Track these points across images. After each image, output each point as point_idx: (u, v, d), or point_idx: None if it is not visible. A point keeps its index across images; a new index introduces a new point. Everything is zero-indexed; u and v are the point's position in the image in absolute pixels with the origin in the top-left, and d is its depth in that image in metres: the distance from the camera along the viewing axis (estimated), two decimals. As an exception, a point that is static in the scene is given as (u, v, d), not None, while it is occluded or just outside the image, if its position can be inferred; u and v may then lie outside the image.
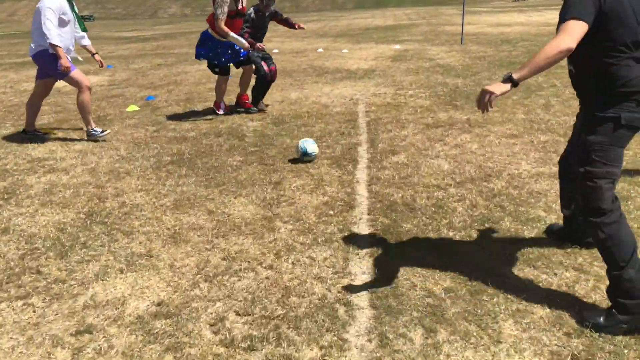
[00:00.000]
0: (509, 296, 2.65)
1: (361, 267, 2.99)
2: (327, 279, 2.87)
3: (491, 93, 2.15)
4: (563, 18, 2.18)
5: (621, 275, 2.29)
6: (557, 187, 3.97)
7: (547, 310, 2.52)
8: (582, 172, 2.35)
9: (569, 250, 3.05)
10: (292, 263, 3.06)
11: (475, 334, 2.37)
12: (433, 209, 3.75)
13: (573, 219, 3.00)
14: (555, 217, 3.51)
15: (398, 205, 3.83)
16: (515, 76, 2.16)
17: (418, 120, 6.16)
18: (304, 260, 3.08)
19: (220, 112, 6.83)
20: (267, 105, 7.08)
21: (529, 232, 3.31)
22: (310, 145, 4.82)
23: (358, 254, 3.14)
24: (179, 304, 2.67)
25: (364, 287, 2.78)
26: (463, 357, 2.24)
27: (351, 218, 3.65)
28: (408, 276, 2.87)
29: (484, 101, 2.17)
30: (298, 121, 6.36)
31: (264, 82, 6.74)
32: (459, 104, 6.84)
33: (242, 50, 6.43)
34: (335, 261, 3.06)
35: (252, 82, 6.93)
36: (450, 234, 3.35)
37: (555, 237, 3.18)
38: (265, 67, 6.63)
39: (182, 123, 6.51)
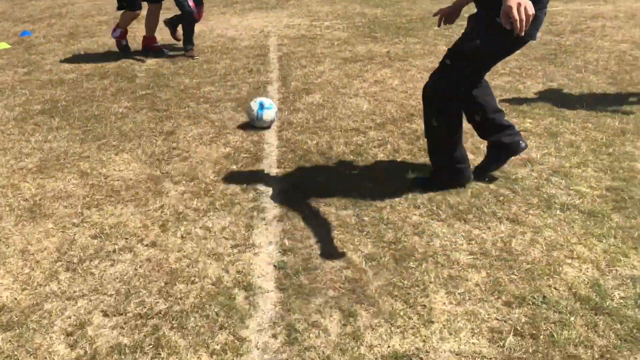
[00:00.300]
0: (438, 260, 2.26)
1: (267, 236, 2.48)
2: (225, 256, 2.34)
3: (525, 4, 1.93)
4: None
5: (443, 156, 2.66)
6: (485, 124, 3.62)
7: (483, 274, 2.16)
8: (448, 64, 2.47)
9: (501, 197, 2.70)
10: (182, 237, 2.49)
11: (402, 313, 1.97)
12: (352, 156, 3.27)
13: (485, 124, 2.80)
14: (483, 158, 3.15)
15: (312, 154, 3.32)
16: None
17: (335, 54, 5.57)
18: (197, 232, 2.52)
19: (115, 35, 5.71)
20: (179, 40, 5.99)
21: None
22: (266, 100, 3.72)
23: (264, 219, 2.62)
24: (26, 308, 2.04)
25: (270, 262, 2.29)
26: (389, 347, 1.83)
27: (258, 173, 3.10)
28: (324, 243, 2.40)
29: (526, 12, 1.94)
30: (200, 57, 5.57)
31: (191, 22, 5.59)
32: (379, 35, 6.30)
33: None
34: (236, 230, 2.53)
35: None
36: (371, 185, 2.89)
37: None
38: (191, 3, 5.46)
39: (61, 63, 5.51)
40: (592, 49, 5.41)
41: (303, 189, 2.88)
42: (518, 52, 5.34)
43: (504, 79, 4.59)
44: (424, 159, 3.17)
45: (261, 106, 3.65)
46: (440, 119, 2.61)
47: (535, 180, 2.86)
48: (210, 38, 6.38)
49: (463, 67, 2.44)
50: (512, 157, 2.89)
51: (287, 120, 3.87)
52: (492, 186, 2.81)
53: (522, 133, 3.49)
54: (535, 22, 2.22)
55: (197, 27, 6.98)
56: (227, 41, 6.25)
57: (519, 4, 1.92)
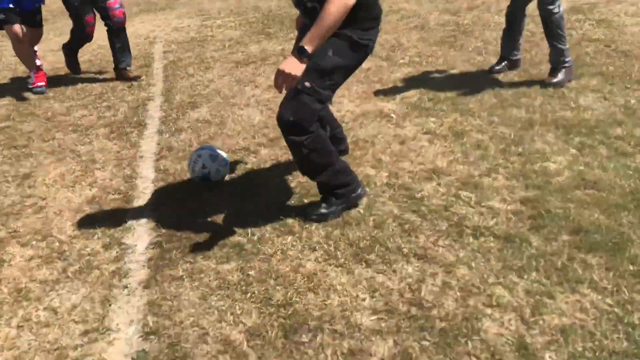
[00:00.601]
0: (336, 327, 1.85)
1: (128, 312, 2.00)
2: (69, 350, 1.84)
3: (293, 77, 2.07)
4: None
5: (327, 176, 2.40)
6: (385, 131, 3.29)
7: (390, 343, 1.78)
8: (309, 88, 2.21)
9: (407, 226, 2.36)
10: (18, 326, 1.96)
11: (290, 411, 1.57)
12: (239, 186, 2.84)
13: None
14: (387, 173, 2.82)
15: (193, 187, 2.84)
16: (310, 50, 2.06)
17: (226, 57, 5.07)
18: (39, 317, 2.00)
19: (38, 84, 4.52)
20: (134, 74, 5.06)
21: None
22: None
23: (127, 287, 2.13)
24: None
25: (128, 353, 1.81)
26: None
27: (126, 220, 2.59)
28: (197, 316, 1.95)
29: (284, 85, 2.10)
30: (73, 75, 4.90)
31: (81, 38, 4.75)
32: (273, 31, 5.85)
33: None
34: (89, 308, 2.02)
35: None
36: (260, 223, 2.46)
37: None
38: (90, 28, 4.59)
39: None
40: (490, 26, 5.25)
41: (178, 238, 2.41)
42: (417, 36, 5.13)
43: (403, 70, 4.30)
44: (320, 182, 2.78)
45: (208, 155, 2.80)
46: (309, 145, 2.28)
47: (444, 197, 2.55)
48: (89, 52, 5.64)
49: (323, 88, 2.23)
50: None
51: (167, 144, 3.36)
52: (396, 211, 2.47)
53: (426, 135, 3.22)
54: (375, 34, 2.31)
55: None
56: (107, 53, 5.52)
57: (289, 77, 2.06)
